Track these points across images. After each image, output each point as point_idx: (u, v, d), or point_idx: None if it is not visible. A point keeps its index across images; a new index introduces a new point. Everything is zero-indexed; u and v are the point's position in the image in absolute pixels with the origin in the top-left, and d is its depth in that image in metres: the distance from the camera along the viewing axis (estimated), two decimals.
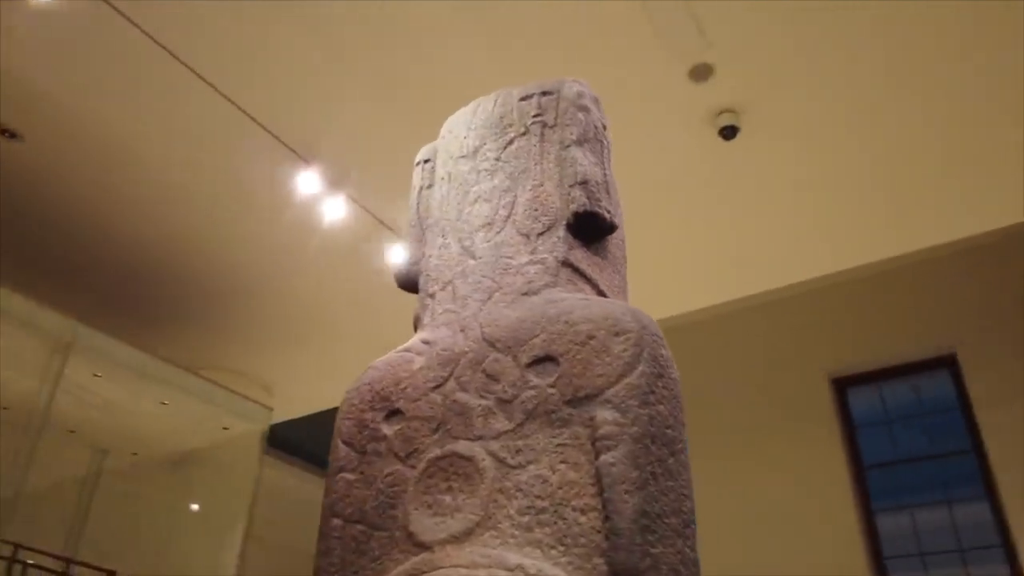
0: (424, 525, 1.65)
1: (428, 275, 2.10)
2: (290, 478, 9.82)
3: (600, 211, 1.90)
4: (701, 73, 4.91)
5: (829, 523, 7.59)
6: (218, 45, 4.88)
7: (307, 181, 5.39)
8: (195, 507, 8.98)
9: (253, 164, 5.44)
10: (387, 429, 1.85)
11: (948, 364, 7.95)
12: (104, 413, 8.01)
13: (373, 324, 6.82)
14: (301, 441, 9.84)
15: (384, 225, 5.95)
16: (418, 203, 2.25)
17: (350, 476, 1.87)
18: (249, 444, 8.42)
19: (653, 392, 1.55)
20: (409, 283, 2.18)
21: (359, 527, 1.79)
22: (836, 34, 4.64)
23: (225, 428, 8.42)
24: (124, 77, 5.12)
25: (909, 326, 8.01)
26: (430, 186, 2.26)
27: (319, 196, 5.53)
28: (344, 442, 1.92)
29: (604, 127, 2.08)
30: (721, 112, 5.16)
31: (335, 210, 5.54)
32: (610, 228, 1.93)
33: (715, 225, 6.26)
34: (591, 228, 1.92)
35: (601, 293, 1.90)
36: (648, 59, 4.84)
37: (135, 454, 9.02)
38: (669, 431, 1.54)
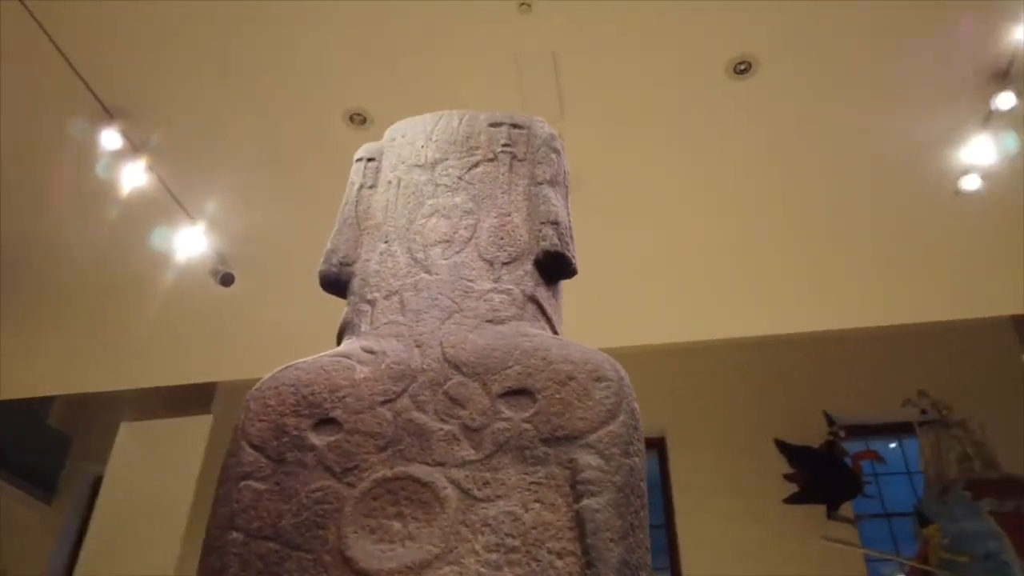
0: (367, 551, 1.51)
1: (365, 280, 1.96)
2: None
3: (569, 254, 1.92)
4: None
5: None
6: None
7: (108, 137, 4.75)
8: None
9: (47, 101, 4.69)
10: (316, 439, 1.68)
11: (658, 445, 8.95)
12: None
13: (127, 313, 6.11)
14: None
15: (181, 207, 5.40)
16: (357, 201, 2.11)
17: (259, 485, 1.65)
18: None
19: (632, 444, 1.58)
20: (337, 284, 2.02)
21: (270, 544, 1.58)
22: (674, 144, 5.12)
23: None
24: None
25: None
26: (372, 186, 2.13)
27: (117, 157, 4.88)
28: (253, 446, 1.70)
29: (567, 174, 2.12)
30: None
31: (132, 178, 4.92)
32: (572, 272, 1.96)
33: None
34: (555, 269, 1.93)
35: (556, 334, 1.90)
36: None
37: None
38: (641, 484, 1.57)
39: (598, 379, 1.63)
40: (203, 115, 4.98)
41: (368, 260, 1.99)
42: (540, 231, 1.92)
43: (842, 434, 8.54)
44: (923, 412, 7.77)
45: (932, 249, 5.82)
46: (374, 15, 4.38)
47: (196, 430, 7.01)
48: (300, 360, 1.83)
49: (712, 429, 8.61)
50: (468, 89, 4.57)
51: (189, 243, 5.43)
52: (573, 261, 1.94)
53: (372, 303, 1.90)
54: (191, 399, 7.12)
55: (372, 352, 1.78)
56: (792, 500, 8.20)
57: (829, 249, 5.96)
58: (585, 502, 1.48)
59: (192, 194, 5.39)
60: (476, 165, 2.05)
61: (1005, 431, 7.82)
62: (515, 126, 2.11)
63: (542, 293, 1.89)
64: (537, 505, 1.51)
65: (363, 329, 1.87)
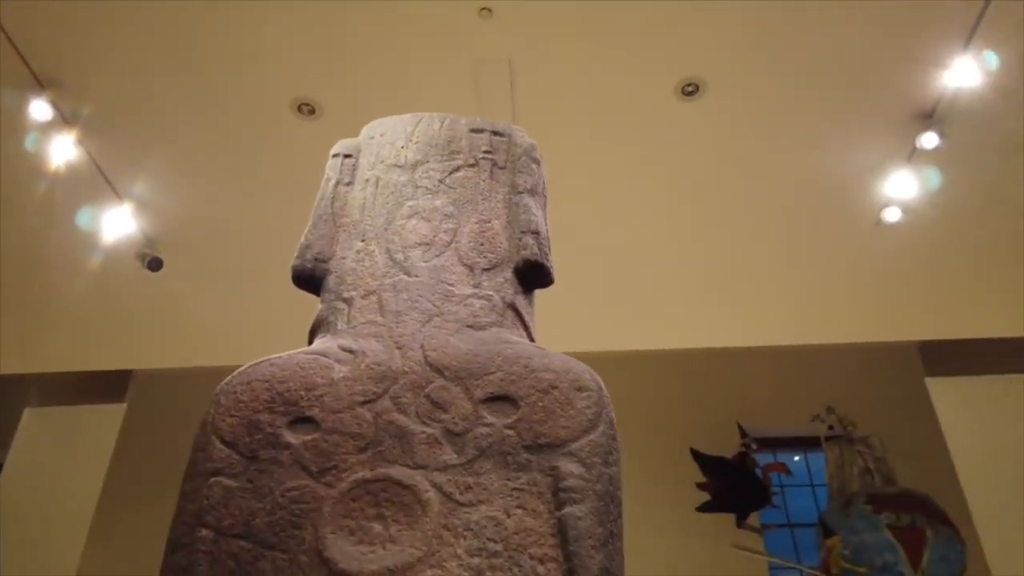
0: (346, 553, 1.50)
1: (341, 278, 1.94)
2: None
3: (548, 264, 1.95)
4: None
5: None
6: None
7: (38, 107, 4.50)
8: None
9: None
10: (292, 437, 1.65)
11: None
12: None
13: (45, 292, 5.81)
14: None
15: (110, 185, 5.17)
16: (333, 198, 2.09)
17: (230, 482, 1.62)
18: None
19: (611, 453, 1.62)
20: (311, 279, 1.99)
21: (242, 543, 1.55)
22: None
23: None
24: None
25: None
26: (349, 183, 2.11)
27: (47, 128, 4.64)
28: (225, 442, 1.66)
29: (545, 184, 2.16)
30: None
31: (61, 151, 4.68)
32: (549, 282, 1.99)
33: None
34: (534, 278, 1.96)
35: (532, 342, 1.93)
36: None
37: None
38: (618, 494, 1.62)
39: (579, 389, 1.67)
40: (140, 90, 4.78)
41: (344, 258, 1.98)
42: (520, 240, 1.95)
43: (754, 446, 8.86)
44: (830, 428, 8.14)
45: (850, 275, 6.12)
46: (332, 6, 4.31)
47: (108, 419, 6.69)
48: (273, 356, 1.80)
49: (630, 437, 8.75)
50: (424, 89, 4.56)
51: (116, 223, 5.20)
52: (551, 271, 1.97)
53: (349, 302, 1.89)
54: (104, 387, 6.80)
55: (351, 351, 1.76)
56: (704, 508, 8.44)
57: (753, 267, 6.20)
58: (568, 509, 1.51)
59: (123, 172, 5.17)
60: (457, 169, 2.06)
61: (904, 449, 8.29)
62: (496, 133, 2.13)
63: (521, 301, 1.92)
64: (519, 511, 1.53)
65: (339, 327, 1.85)
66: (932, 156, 4.77)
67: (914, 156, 4.89)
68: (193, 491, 1.62)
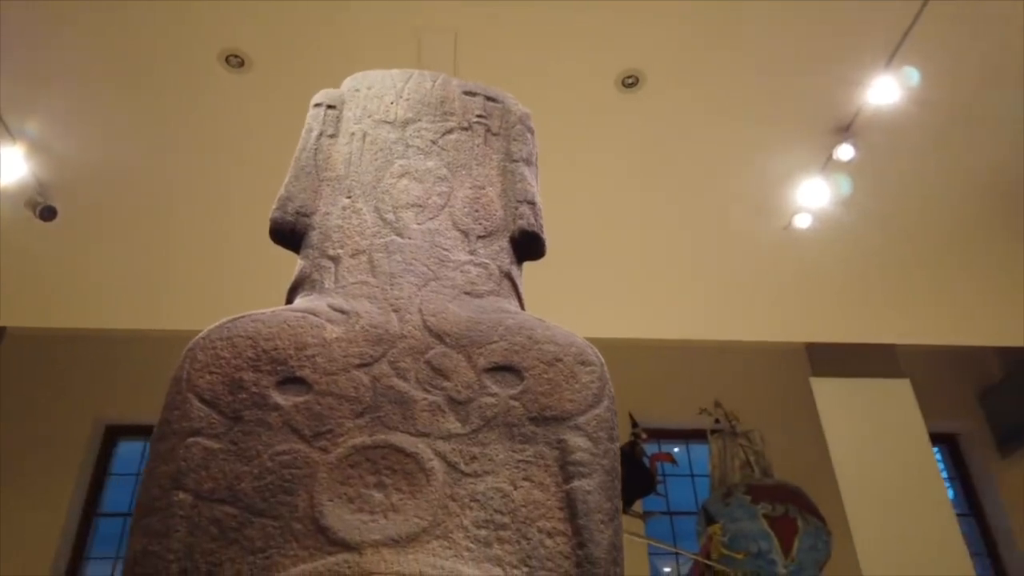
0: (346, 522, 1.42)
1: (326, 235, 1.83)
2: None
3: (543, 235, 1.92)
4: None
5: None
6: None
7: None
8: None
9: None
10: (280, 398, 1.55)
11: None
12: None
13: None
14: None
15: (2, 123, 4.69)
16: (316, 149, 1.96)
17: (211, 444, 1.50)
18: None
19: (614, 429, 1.60)
20: (292, 235, 1.87)
21: (226, 508, 1.44)
22: None
23: None
24: None
25: None
26: (333, 136, 1.99)
27: None
28: (203, 400, 1.54)
29: (537, 155, 2.11)
30: None
31: None
32: (542, 254, 1.95)
33: None
34: (528, 249, 1.92)
35: None
36: None
37: None
38: (619, 469, 1.61)
39: (583, 363, 1.65)
40: (43, 17, 4.35)
41: (328, 214, 1.87)
42: (517, 209, 1.90)
43: (644, 436, 9.16)
44: (716, 421, 8.53)
45: (751, 276, 6.39)
46: None
47: None
48: (255, 311, 1.67)
49: None
50: (364, 52, 4.39)
51: (6, 166, 4.73)
52: (545, 243, 1.93)
53: (336, 260, 1.78)
54: None
55: (343, 312, 1.67)
56: None
57: (659, 262, 6.35)
58: (576, 483, 1.49)
59: (16, 109, 4.71)
60: (450, 132, 1.99)
61: (783, 444, 8.78)
62: (490, 99, 2.07)
63: (515, 271, 1.87)
64: (526, 483, 1.50)
65: (326, 287, 1.75)
66: (845, 168, 5.04)
67: (828, 166, 5.15)
68: (168, 452, 1.49)
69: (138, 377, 8.59)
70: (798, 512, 7.45)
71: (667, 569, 9.11)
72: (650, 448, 9.24)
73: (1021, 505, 8.91)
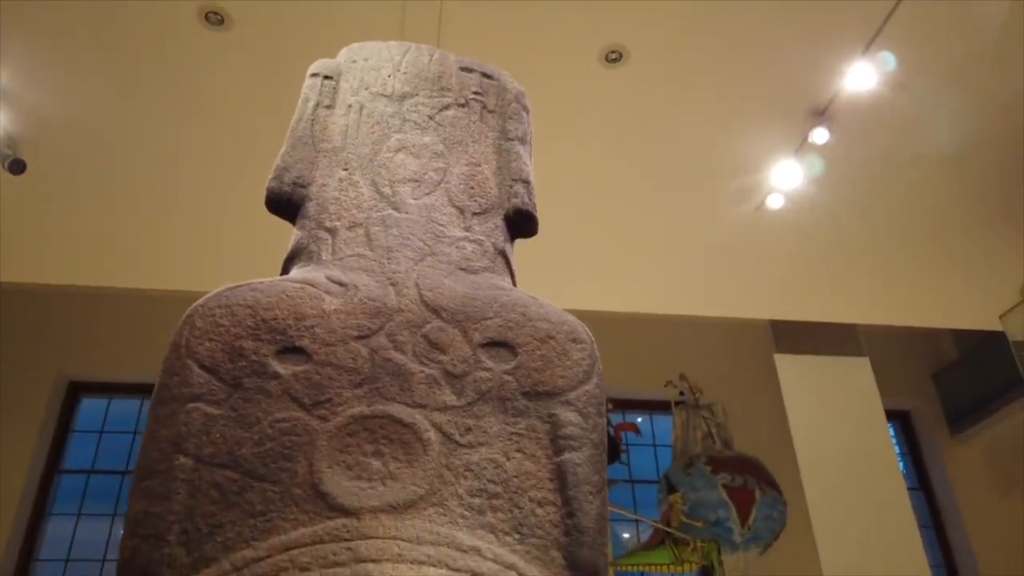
0: (345, 488, 1.47)
1: (323, 206, 1.86)
2: None
3: (536, 214, 1.96)
4: None
5: None
6: None
7: None
8: None
9: None
10: (280, 367, 1.58)
11: None
12: None
13: None
14: None
15: None
16: (312, 120, 1.97)
17: (212, 410, 1.53)
18: None
19: (602, 404, 1.67)
20: (288, 205, 1.88)
21: (226, 473, 1.48)
22: None
23: None
24: None
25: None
26: (329, 107, 2.00)
27: None
28: (203, 367, 1.57)
29: (531, 134, 2.15)
30: None
31: None
32: (534, 232, 2.00)
33: None
34: (520, 227, 1.96)
35: None
36: None
37: None
38: (606, 442, 1.67)
39: (574, 340, 1.70)
40: None
41: (325, 185, 1.89)
42: (512, 188, 1.94)
43: (610, 406, 9.33)
44: (680, 393, 8.72)
45: (721, 253, 6.50)
46: None
47: None
48: (254, 280, 1.70)
49: None
50: (346, 19, 4.34)
51: None
52: (537, 222, 1.98)
53: (332, 232, 1.81)
54: None
55: (341, 284, 1.70)
56: None
57: (630, 236, 6.41)
58: (567, 456, 1.56)
59: None
60: (447, 107, 2.01)
61: (745, 417, 9.01)
62: (486, 76, 2.10)
63: (508, 249, 1.92)
64: (518, 455, 1.56)
65: (323, 258, 1.78)
66: (819, 151, 5.14)
67: (802, 149, 5.25)
68: (168, 416, 1.52)
69: (102, 334, 8.51)
70: (756, 483, 7.69)
71: (626, 535, 9.33)
72: (615, 418, 9.42)
73: (968, 481, 9.29)
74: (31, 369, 8.22)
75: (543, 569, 1.44)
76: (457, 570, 1.39)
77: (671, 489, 8.04)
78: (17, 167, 4.83)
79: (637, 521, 8.95)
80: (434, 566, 1.39)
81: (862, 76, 4.64)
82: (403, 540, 1.41)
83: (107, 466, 8.56)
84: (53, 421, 8.32)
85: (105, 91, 4.67)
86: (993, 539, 8.94)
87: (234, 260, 5.43)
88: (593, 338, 1.74)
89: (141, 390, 8.59)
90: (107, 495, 8.39)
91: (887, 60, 4.38)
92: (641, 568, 7.73)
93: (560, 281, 6.87)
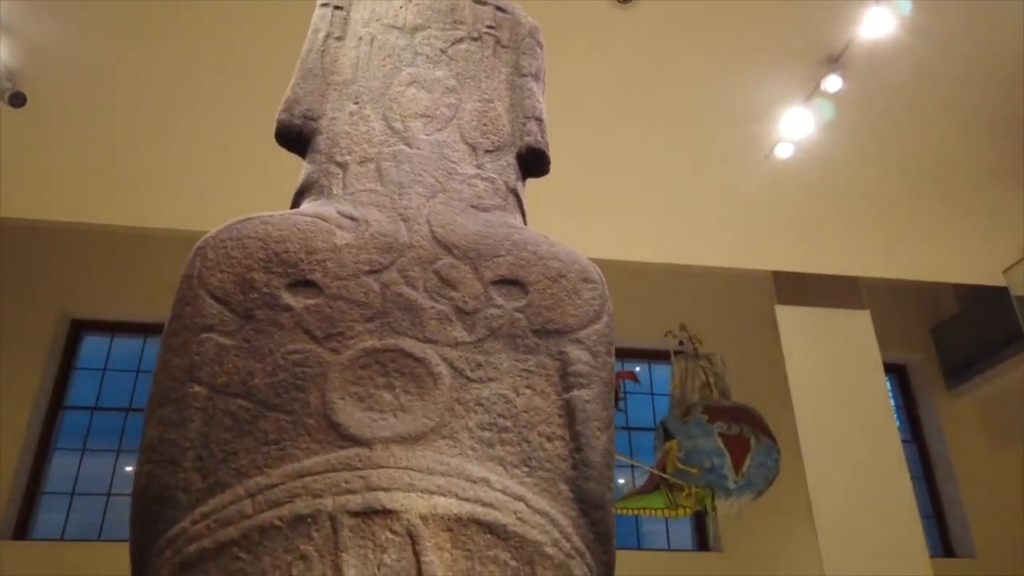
0: (356, 419, 1.48)
1: (334, 140, 1.83)
2: None
3: (548, 153, 1.94)
4: None
5: None
6: None
7: None
8: None
9: None
10: (291, 300, 1.58)
11: None
12: None
13: None
14: None
15: None
16: (323, 51, 1.94)
17: (224, 340, 1.54)
18: None
19: (612, 344, 1.68)
20: (298, 138, 1.86)
21: (240, 402, 1.49)
22: None
23: None
24: None
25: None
26: (340, 38, 1.97)
27: None
28: (215, 298, 1.57)
29: (544, 71, 2.11)
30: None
31: None
32: (546, 171, 1.98)
33: None
34: (532, 165, 1.94)
35: None
36: None
37: None
38: (613, 381, 1.69)
39: (585, 280, 1.70)
40: None
41: (335, 119, 1.86)
42: (524, 125, 1.91)
43: None
44: (680, 343, 8.78)
45: (726, 202, 6.45)
46: None
47: None
48: (264, 213, 1.69)
49: None
50: None
51: None
52: (550, 160, 1.96)
53: (343, 166, 1.79)
54: None
55: (353, 219, 1.69)
56: None
57: (637, 183, 6.34)
58: (576, 392, 1.57)
59: None
60: (460, 41, 1.97)
61: (743, 368, 9.09)
62: (500, 9, 2.05)
63: (520, 188, 1.90)
64: (528, 391, 1.57)
65: (334, 192, 1.76)
66: (832, 99, 5.06)
67: (813, 96, 5.17)
68: (181, 346, 1.53)
69: (105, 272, 8.53)
70: (752, 432, 7.79)
71: (622, 480, 9.49)
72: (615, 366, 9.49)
73: (961, 435, 9.42)
74: (33, 307, 8.25)
75: (551, 501, 1.46)
76: (466, 499, 1.41)
77: (667, 436, 8.15)
78: (17, 100, 4.77)
79: (633, 467, 9.10)
80: (444, 496, 1.41)
81: (877, 22, 4.55)
82: (414, 470, 1.43)
83: (111, 403, 8.68)
84: (56, 358, 8.39)
85: (106, 23, 4.58)
86: (983, 492, 9.11)
87: (238, 199, 5.40)
88: (604, 278, 1.74)
89: (143, 329, 8.66)
90: (111, 432, 8.53)
91: (902, 6, 4.28)
92: (636, 512, 7.88)
93: (563, 228, 6.83)
